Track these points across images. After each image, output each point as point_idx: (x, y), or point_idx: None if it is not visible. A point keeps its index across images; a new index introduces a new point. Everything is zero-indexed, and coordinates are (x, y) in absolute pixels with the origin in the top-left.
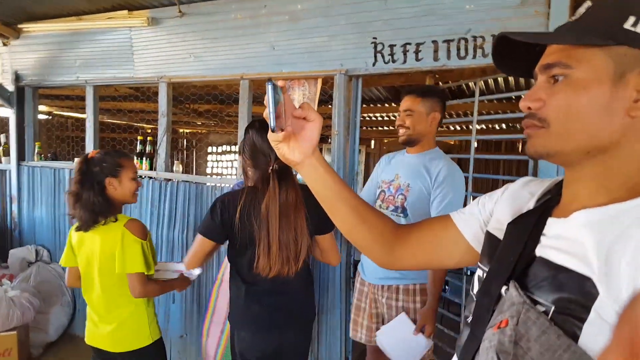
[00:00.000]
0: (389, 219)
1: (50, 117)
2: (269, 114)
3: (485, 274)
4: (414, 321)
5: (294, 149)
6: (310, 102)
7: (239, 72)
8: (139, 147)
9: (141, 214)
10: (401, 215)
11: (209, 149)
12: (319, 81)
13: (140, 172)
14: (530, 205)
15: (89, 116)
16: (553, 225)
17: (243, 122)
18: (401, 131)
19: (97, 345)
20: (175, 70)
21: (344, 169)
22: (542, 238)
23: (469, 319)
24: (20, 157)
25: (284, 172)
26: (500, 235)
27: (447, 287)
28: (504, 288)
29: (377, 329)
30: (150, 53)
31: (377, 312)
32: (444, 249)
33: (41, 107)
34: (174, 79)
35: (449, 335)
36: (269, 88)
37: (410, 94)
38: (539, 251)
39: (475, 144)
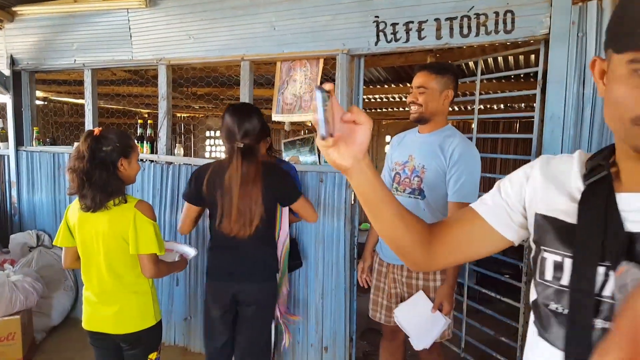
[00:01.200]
0: (423, 221)
1: (46, 103)
2: (318, 120)
3: (571, 259)
4: (433, 300)
5: (344, 154)
6: (311, 82)
7: (239, 52)
8: (139, 131)
9: (143, 197)
10: (419, 197)
11: (207, 133)
12: (321, 61)
13: (141, 156)
14: (579, 183)
15: (87, 100)
16: (632, 200)
17: (245, 100)
18: (413, 108)
19: (98, 329)
20: (175, 52)
21: None
22: (623, 214)
23: (558, 308)
24: (19, 142)
25: (248, 150)
26: (562, 217)
27: None
28: (601, 269)
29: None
30: (148, 35)
31: (396, 291)
32: (476, 242)
33: (37, 93)
34: (173, 60)
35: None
36: (318, 94)
37: (424, 70)
38: (632, 227)
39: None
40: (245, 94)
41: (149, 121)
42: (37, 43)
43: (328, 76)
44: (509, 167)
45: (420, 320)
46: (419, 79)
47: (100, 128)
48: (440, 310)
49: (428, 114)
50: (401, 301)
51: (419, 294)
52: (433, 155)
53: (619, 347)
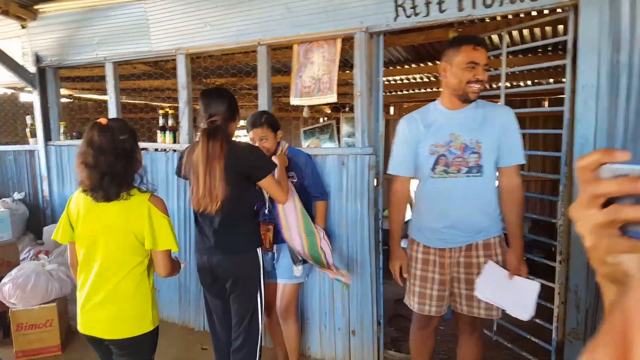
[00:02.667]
0: None
1: (72, 100)
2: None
3: None
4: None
5: None
6: (329, 64)
7: (255, 37)
8: (161, 121)
9: (167, 187)
10: (477, 174)
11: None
12: (339, 42)
13: (164, 146)
14: None
15: (110, 94)
16: None
17: (263, 92)
18: (477, 87)
19: (93, 334)
20: (192, 41)
21: (368, 132)
22: None
23: None
24: (47, 137)
25: (214, 131)
26: None
27: None
28: None
29: (452, 294)
30: (165, 25)
31: (452, 277)
32: None
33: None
34: (191, 49)
35: None
36: None
37: (481, 46)
38: None
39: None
40: (263, 81)
41: (170, 111)
42: (59, 39)
43: (346, 57)
44: (537, 144)
45: (506, 290)
46: (482, 55)
47: (106, 118)
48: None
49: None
50: (459, 286)
51: (489, 264)
52: (483, 127)
53: (608, 344)
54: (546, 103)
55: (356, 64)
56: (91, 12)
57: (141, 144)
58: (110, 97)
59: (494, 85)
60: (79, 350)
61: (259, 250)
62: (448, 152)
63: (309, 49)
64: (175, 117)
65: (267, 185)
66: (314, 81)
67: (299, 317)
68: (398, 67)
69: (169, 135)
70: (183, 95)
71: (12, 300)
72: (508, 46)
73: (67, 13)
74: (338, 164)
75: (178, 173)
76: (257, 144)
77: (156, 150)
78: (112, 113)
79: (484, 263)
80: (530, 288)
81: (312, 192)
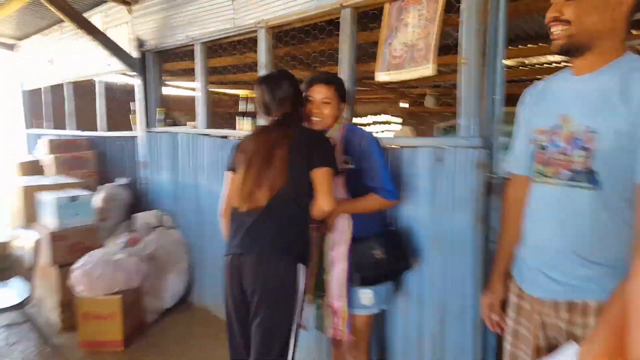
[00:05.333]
0: None
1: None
2: None
3: None
4: None
5: None
6: (427, 24)
7: None
8: (241, 106)
9: None
10: (586, 185)
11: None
12: None
13: (242, 133)
14: None
15: (197, 77)
16: None
17: (345, 62)
18: (556, 30)
19: None
20: (272, 12)
21: (477, 116)
22: None
23: None
24: (147, 123)
25: (287, 120)
26: None
27: None
28: None
29: None
30: None
31: (548, 342)
32: None
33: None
34: (271, 22)
35: None
36: None
37: None
38: None
39: None
40: (345, 50)
41: (251, 95)
42: (156, 22)
43: (451, 12)
44: None
45: None
46: None
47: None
48: None
49: (584, 36)
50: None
51: (570, 347)
52: (608, 107)
53: (604, 337)
54: None
55: (462, 21)
56: None
57: (222, 132)
58: (198, 82)
59: None
60: (143, 348)
61: (301, 268)
62: (550, 144)
63: (403, 6)
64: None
65: (321, 178)
66: (406, 49)
67: (373, 356)
68: (530, 45)
69: (247, 121)
70: None
71: (80, 287)
72: None
73: None
74: (432, 160)
75: (232, 168)
76: (313, 108)
77: (236, 138)
78: (199, 98)
79: (564, 339)
80: None
81: (367, 183)
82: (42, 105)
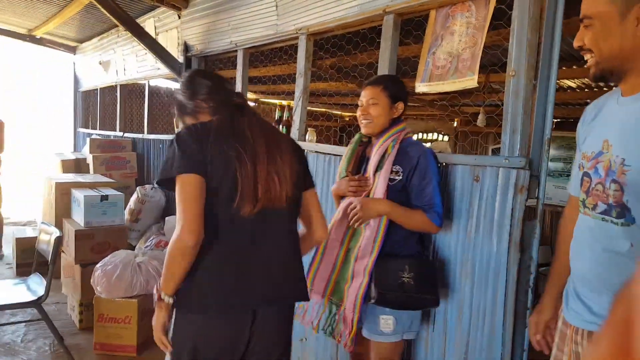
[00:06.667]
0: None
1: (255, 104)
2: None
3: None
4: None
5: None
6: (475, 33)
7: (380, 4)
8: (277, 114)
9: None
10: (617, 220)
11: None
12: (492, 0)
13: None
14: None
15: (238, 83)
16: None
17: (384, 70)
18: (586, 57)
19: None
20: (313, 18)
21: (524, 134)
22: None
23: None
24: None
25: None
26: None
27: None
28: None
29: None
30: (290, 1)
31: None
32: None
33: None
34: (312, 28)
35: None
36: None
37: None
38: None
39: None
40: (385, 59)
41: (287, 103)
42: (202, 27)
43: (500, 19)
44: None
45: None
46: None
47: None
48: None
49: (610, 62)
50: None
51: None
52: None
53: (612, 335)
54: None
55: (512, 29)
56: None
57: None
58: (238, 87)
59: None
60: (157, 354)
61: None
62: (593, 172)
63: (450, 13)
64: (291, 110)
65: (316, 201)
66: (450, 58)
67: None
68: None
69: (282, 130)
70: (300, 83)
71: (99, 287)
72: None
73: None
74: (469, 180)
75: (194, 163)
76: (361, 112)
77: None
78: None
79: None
80: None
81: (414, 200)
82: (94, 106)
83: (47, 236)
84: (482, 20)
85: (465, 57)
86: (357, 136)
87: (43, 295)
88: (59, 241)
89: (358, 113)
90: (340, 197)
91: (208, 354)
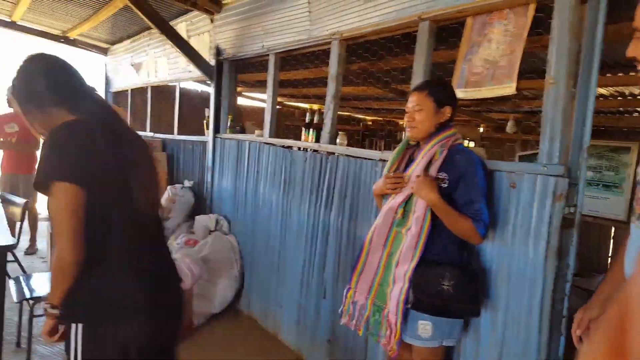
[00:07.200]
0: None
1: (280, 107)
2: None
3: None
4: None
5: None
6: (513, 40)
7: (416, 11)
8: (307, 118)
9: (303, 192)
10: None
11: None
12: (531, 8)
13: (304, 144)
14: None
15: (269, 87)
16: None
17: (418, 77)
18: None
19: None
20: (347, 24)
21: (563, 141)
22: None
23: None
24: (217, 129)
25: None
26: None
27: None
28: None
29: None
30: (324, 5)
31: None
32: None
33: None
34: (346, 33)
35: None
36: None
37: None
38: None
39: None
40: (420, 65)
41: (318, 107)
42: (235, 32)
43: (540, 28)
44: None
45: None
46: None
47: None
48: None
49: None
50: None
51: None
52: None
53: (606, 335)
54: None
55: (552, 38)
56: (260, 0)
57: (286, 142)
58: (269, 90)
59: None
60: (188, 350)
61: None
62: None
63: (487, 21)
64: (321, 114)
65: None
66: (487, 65)
67: None
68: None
69: (312, 134)
70: (331, 88)
71: None
72: None
73: (242, 4)
74: (505, 186)
75: (78, 172)
76: (407, 118)
77: (299, 149)
78: (269, 106)
79: None
80: None
81: (460, 208)
82: (124, 106)
83: None
84: (521, 28)
85: (502, 64)
86: (404, 139)
87: None
88: None
89: (405, 118)
90: (382, 196)
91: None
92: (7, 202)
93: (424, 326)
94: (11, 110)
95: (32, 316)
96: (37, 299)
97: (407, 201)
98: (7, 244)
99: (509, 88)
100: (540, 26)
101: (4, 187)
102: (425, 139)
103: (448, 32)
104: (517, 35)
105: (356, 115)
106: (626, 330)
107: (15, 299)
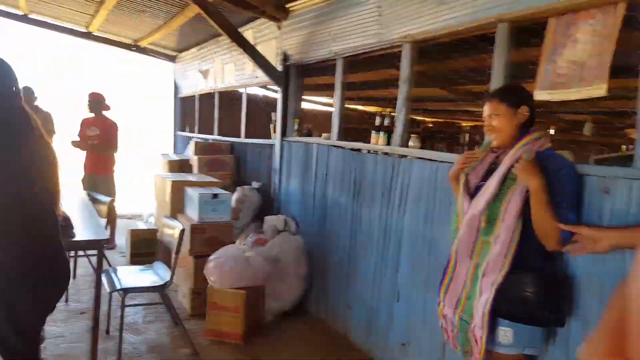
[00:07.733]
0: None
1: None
2: None
3: None
4: None
5: None
6: (602, 41)
7: (494, 12)
8: (378, 120)
9: (374, 197)
10: None
11: None
12: (620, 7)
13: (375, 147)
14: None
15: (336, 91)
16: None
17: (498, 81)
18: None
19: None
20: (420, 26)
21: None
22: None
23: None
24: (284, 132)
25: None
26: None
27: None
28: None
29: None
30: (396, 8)
31: None
32: None
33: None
34: (418, 36)
35: None
36: None
37: None
38: None
39: None
40: (500, 67)
41: (389, 110)
42: (302, 37)
43: (634, 26)
44: None
45: None
46: None
47: None
48: None
49: None
50: None
51: None
52: None
53: (606, 333)
54: None
55: None
56: (330, 5)
57: (354, 144)
58: (336, 95)
59: None
60: (259, 346)
61: None
62: None
63: (571, 22)
64: (393, 117)
65: None
66: (574, 67)
67: None
68: None
69: (382, 136)
70: (403, 90)
71: (212, 277)
72: None
73: (310, 10)
74: (596, 190)
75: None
76: (486, 127)
77: (368, 151)
78: (336, 110)
79: None
80: None
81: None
82: (192, 111)
83: (171, 230)
84: (610, 28)
85: (591, 65)
86: (487, 140)
87: (169, 281)
88: (182, 234)
89: (484, 129)
90: (456, 181)
91: None
92: (93, 200)
93: (505, 332)
94: (92, 115)
95: (123, 306)
96: (127, 290)
97: (490, 208)
98: (103, 237)
99: (599, 89)
100: (630, 25)
101: (86, 185)
102: (510, 144)
103: (525, 32)
104: (606, 35)
105: (416, 117)
106: (626, 330)
107: (107, 289)
